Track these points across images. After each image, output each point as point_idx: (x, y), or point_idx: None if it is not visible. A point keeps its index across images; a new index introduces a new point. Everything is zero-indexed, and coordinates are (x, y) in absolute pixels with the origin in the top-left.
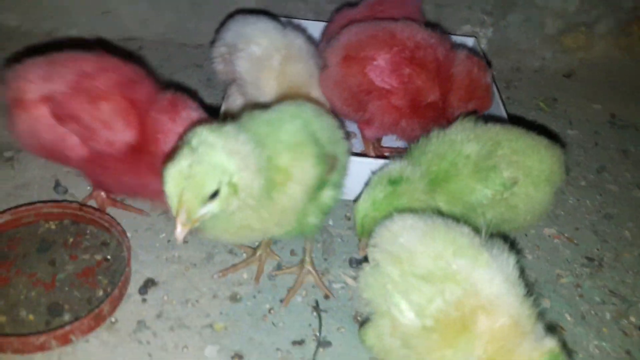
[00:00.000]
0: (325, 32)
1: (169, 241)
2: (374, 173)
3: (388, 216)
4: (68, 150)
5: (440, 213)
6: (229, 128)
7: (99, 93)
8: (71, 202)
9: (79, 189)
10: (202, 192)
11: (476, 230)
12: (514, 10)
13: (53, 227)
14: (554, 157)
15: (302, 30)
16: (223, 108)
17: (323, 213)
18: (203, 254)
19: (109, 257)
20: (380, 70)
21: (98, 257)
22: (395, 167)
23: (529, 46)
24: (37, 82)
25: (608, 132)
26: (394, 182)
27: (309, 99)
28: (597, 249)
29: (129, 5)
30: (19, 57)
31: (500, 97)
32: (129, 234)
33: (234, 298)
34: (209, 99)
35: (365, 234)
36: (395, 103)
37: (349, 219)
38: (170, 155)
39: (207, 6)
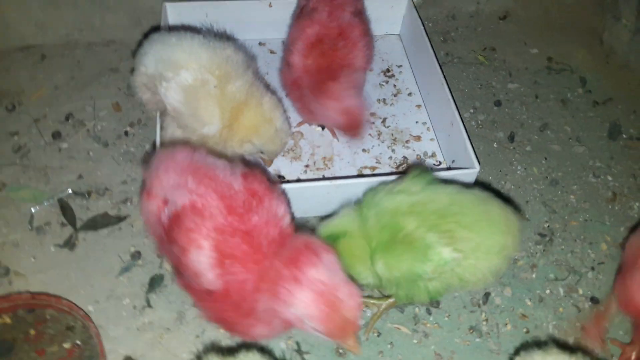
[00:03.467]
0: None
1: (134, 307)
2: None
3: None
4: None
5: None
6: None
7: (194, 238)
8: (20, 293)
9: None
10: None
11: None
12: None
13: (8, 320)
14: (508, 230)
15: (227, 37)
16: (159, 140)
17: None
18: (174, 314)
19: (78, 342)
20: None
21: (67, 345)
22: (341, 220)
23: None
24: (163, 186)
25: (546, 79)
26: (332, 237)
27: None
28: (547, 222)
29: (17, 8)
30: None
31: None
32: (90, 307)
33: None
34: (134, 113)
35: None
36: None
37: None
38: None
39: None
